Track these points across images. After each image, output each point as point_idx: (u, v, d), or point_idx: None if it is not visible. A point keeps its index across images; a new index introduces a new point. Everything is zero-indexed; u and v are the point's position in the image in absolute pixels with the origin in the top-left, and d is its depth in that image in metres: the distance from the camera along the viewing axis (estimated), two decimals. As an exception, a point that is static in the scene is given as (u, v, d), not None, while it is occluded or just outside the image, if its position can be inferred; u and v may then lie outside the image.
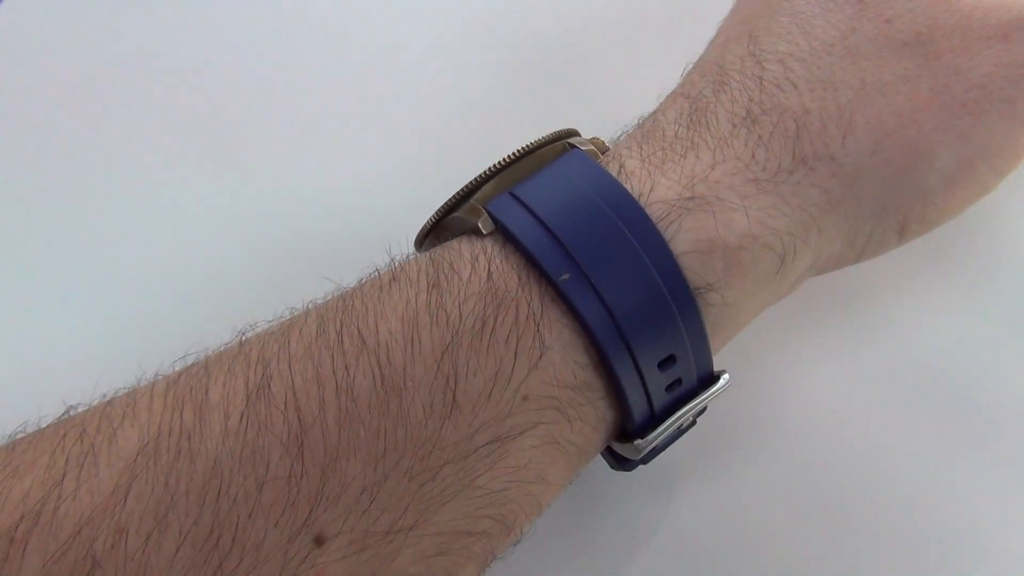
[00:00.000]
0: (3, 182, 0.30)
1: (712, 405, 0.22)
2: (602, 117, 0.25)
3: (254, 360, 0.19)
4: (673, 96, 0.23)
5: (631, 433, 0.21)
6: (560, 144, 0.21)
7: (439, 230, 0.22)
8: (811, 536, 0.25)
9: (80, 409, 0.19)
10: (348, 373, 0.18)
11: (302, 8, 0.34)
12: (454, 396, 0.18)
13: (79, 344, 0.28)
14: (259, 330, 0.20)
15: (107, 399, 0.19)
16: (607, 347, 0.19)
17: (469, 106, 0.31)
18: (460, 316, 0.19)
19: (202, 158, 0.31)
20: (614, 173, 0.21)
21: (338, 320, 0.19)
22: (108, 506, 0.17)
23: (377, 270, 0.21)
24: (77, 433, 0.18)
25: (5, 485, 0.17)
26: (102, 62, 0.33)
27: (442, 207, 0.21)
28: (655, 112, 0.23)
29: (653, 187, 0.20)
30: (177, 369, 0.20)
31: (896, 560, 0.24)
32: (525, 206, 0.20)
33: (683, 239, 0.20)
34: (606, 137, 0.23)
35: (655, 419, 0.21)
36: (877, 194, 0.22)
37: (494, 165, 0.21)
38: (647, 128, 0.22)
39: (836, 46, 0.22)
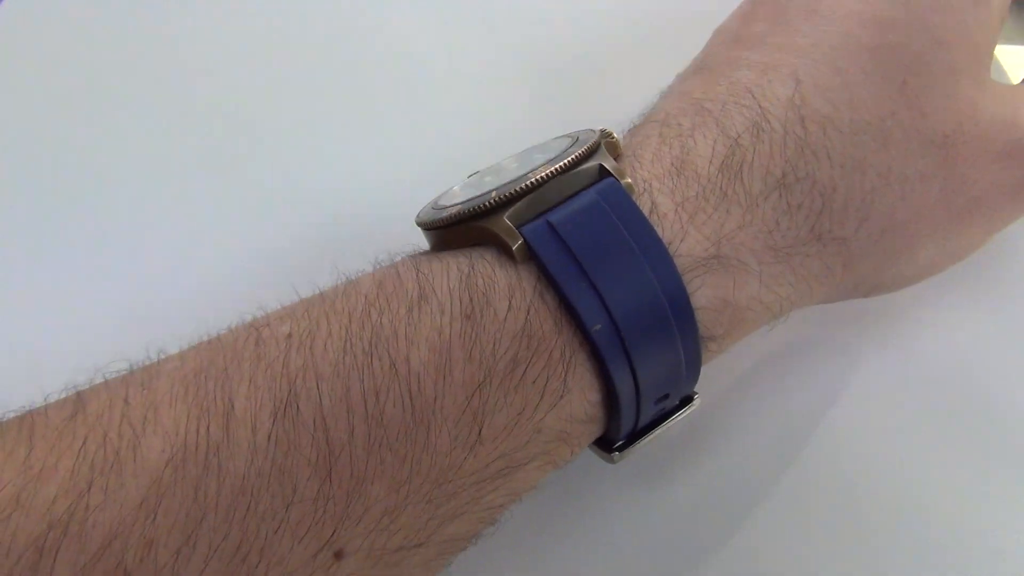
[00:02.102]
0: (3, 182, 0.30)
1: (711, 403, 0.24)
2: (614, 116, 0.26)
3: (278, 374, 0.19)
4: (700, 111, 0.23)
5: (610, 442, 0.22)
6: (594, 167, 0.21)
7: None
8: (800, 532, 0.25)
9: (85, 388, 0.19)
10: (378, 400, 0.19)
11: (307, 6, 0.34)
12: (480, 431, 0.19)
13: (81, 331, 0.28)
14: (272, 323, 0.20)
15: (123, 392, 0.19)
16: (622, 395, 0.20)
17: (479, 104, 0.32)
18: (494, 355, 0.19)
19: (204, 158, 0.31)
20: (646, 211, 0.21)
21: (365, 339, 0.19)
22: (137, 518, 0.17)
23: (398, 270, 0.21)
24: (99, 438, 0.18)
25: (29, 490, 0.17)
26: (102, 62, 0.33)
27: (466, 211, 0.21)
28: (684, 133, 0.22)
29: (684, 238, 0.21)
30: (187, 355, 0.20)
31: (896, 560, 0.25)
32: (563, 242, 0.20)
33: (702, 295, 0.21)
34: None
35: (636, 434, 0.22)
36: (866, 274, 0.23)
37: (529, 183, 0.20)
38: (677, 157, 0.22)
39: (874, 126, 0.22)
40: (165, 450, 0.18)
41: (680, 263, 0.21)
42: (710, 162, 0.22)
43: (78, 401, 0.19)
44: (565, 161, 0.21)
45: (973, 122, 0.23)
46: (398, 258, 0.22)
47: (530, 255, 0.20)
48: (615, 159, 0.22)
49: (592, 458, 0.23)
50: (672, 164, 0.22)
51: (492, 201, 0.20)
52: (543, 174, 0.20)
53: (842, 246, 0.22)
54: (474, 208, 0.20)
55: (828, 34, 0.23)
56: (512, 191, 0.20)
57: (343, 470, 0.18)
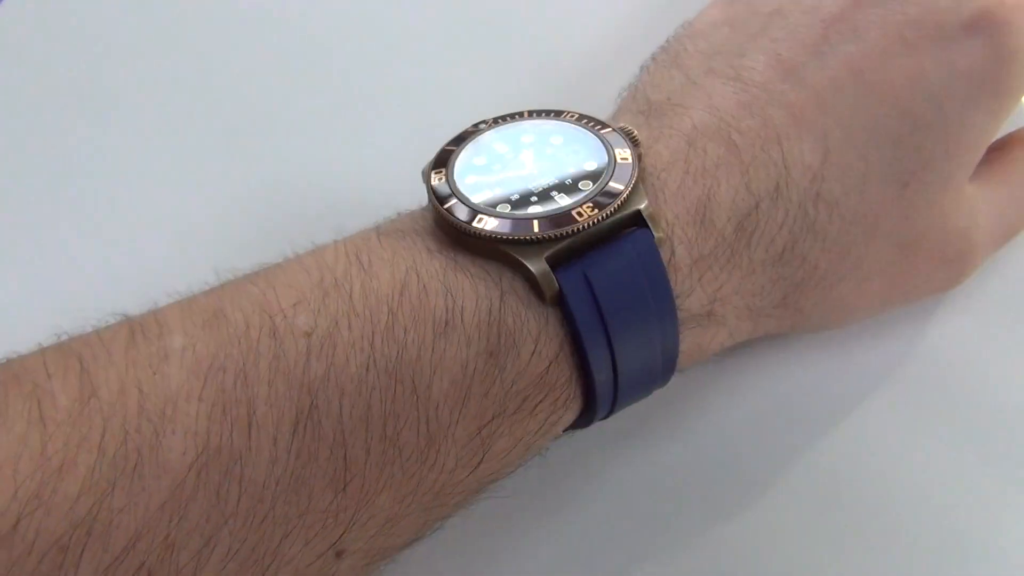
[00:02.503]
0: (3, 181, 0.31)
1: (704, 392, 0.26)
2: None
3: (298, 381, 0.19)
4: (728, 144, 0.23)
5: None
6: (633, 211, 0.21)
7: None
8: (783, 512, 0.25)
9: (87, 354, 0.19)
10: (396, 423, 0.19)
11: (306, 6, 0.35)
12: (484, 455, 0.21)
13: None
14: (285, 311, 0.20)
15: (134, 377, 0.18)
16: (601, 413, 0.23)
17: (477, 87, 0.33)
18: (509, 394, 0.20)
19: (206, 159, 0.31)
20: (665, 260, 0.22)
21: (390, 357, 0.20)
22: (160, 520, 0.17)
23: (420, 276, 0.20)
24: (118, 433, 0.18)
25: (50, 486, 0.17)
26: (102, 61, 0.33)
27: (504, 239, 0.21)
28: (708, 168, 0.22)
29: (690, 295, 0.22)
30: (194, 335, 0.19)
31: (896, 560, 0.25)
32: (595, 299, 0.20)
33: (684, 343, 0.23)
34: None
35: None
36: (803, 323, 0.26)
37: (575, 229, 0.21)
38: (700, 199, 0.22)
39: (868, 220, 0.24)
40: (187, 452, 0.18)
41: (680, 317, 0.22)
42: (728, 219, 0.23)
43: (84, 378, 0.18)
44: (613, 207, 0.21)
45: (941, 230, 0.25)
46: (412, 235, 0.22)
47: (560, 301, 0.21)
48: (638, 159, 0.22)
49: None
50: (696, 208, 0.22)
51: (534, 238, 0.20)
52: (590, 220, 0.21)
53: (797, 313, 0.25)
54: (514, 239, 0.21)
55: (866, 111, 0.23)
56: (556, 234, 0.20)
57: (356, 484, 0.19)
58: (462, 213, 0.21)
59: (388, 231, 0.22)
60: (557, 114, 0.24)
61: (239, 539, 0.18)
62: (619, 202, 0.21)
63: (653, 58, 0.27)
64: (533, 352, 0.21)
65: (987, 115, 0.24)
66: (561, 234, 0.20)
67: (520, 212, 0.21)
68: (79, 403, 0.18)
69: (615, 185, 0.21)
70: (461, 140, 0.23)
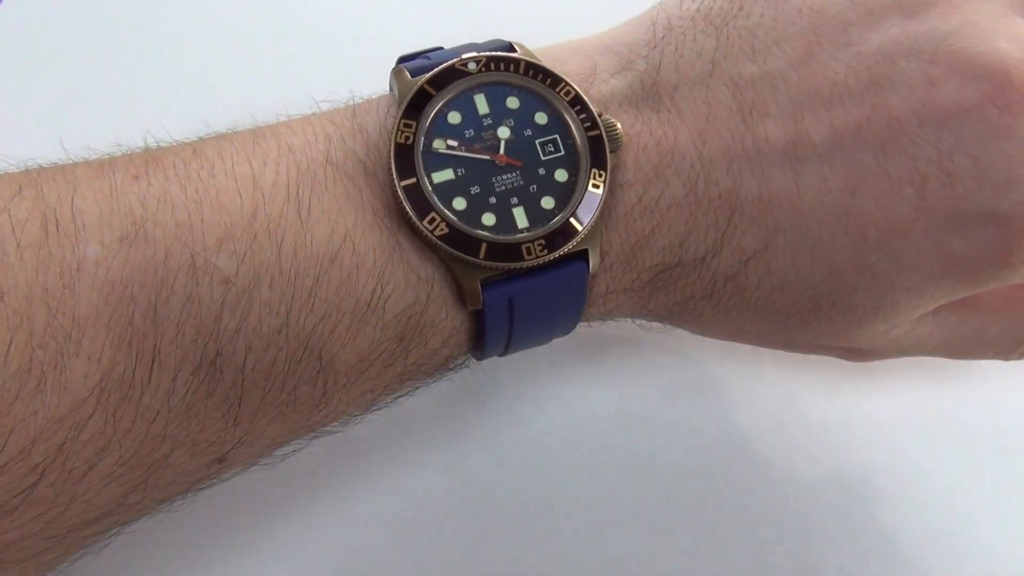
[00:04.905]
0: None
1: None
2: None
3: (208, 330, 0.19)
4: (688, 186, 0.22)
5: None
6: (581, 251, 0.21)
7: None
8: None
9: None
10: (297, 382, 0.20)
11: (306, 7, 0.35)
12: (374, 401, 0.22)
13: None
14: (208, 246, 0.19)
15: (41, 282, 0.18)
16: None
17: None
18: (408, 368, 0.22)
19: None
20: (589, 291, 0.22)
21: (304, 326, 0.20)
22: (56, 431, 0.19)
23: (356, 247, 0.20)
24: (23, 347, 0.18)
25: None
26: (102, 61, 0.33)
27: (450, 254, 0.20)
28: (661, 209, 0.22)
29: (591, 306, 0.23)
30: (111, 247, 0.19)
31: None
32: (511, 317, 0.21)
33: None
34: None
35: None
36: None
37: (520, 267, 0.20)
38: (640, 239, 0.22)
39: (765, 308, 0.23)
40: (89, 377, 0.19)
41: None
42: (650, 267, 0.22)
43: None
44: (564, 250, 0.21)
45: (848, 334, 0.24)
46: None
47: (479, 315, 0.21)
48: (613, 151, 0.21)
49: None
50: (631, 245, 0.22)
51: (477, 264, 0.20)
52: (537, 261, 0.20)
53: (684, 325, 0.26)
54: (457, 257, 0.20)
55: (829, 236, 0.22)
56: (499, 267, 0.20)
57: (247, 420, 0.21)
58: (417, 202, 0.20)
59: (338, 157, 0.21)
60: (555, 81, 0.22)
61: (129, 451, 0.20)
62: (572, 245, 0.21)
63: None
64: (440, 345, 0.22)
65: (946, 294, 0.23)
66: (504, 268, 0.20)
67: (470, 228, 0.20)
68: None
69: (575, 223, 0.21)
70: (444, 81, 0.21)
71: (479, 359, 0.23)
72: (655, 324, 0.26)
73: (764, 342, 0.26)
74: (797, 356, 0.27)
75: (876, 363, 0.27)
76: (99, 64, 0.33)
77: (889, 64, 0.22)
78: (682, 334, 0.26)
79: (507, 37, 0.23)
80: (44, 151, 0.25)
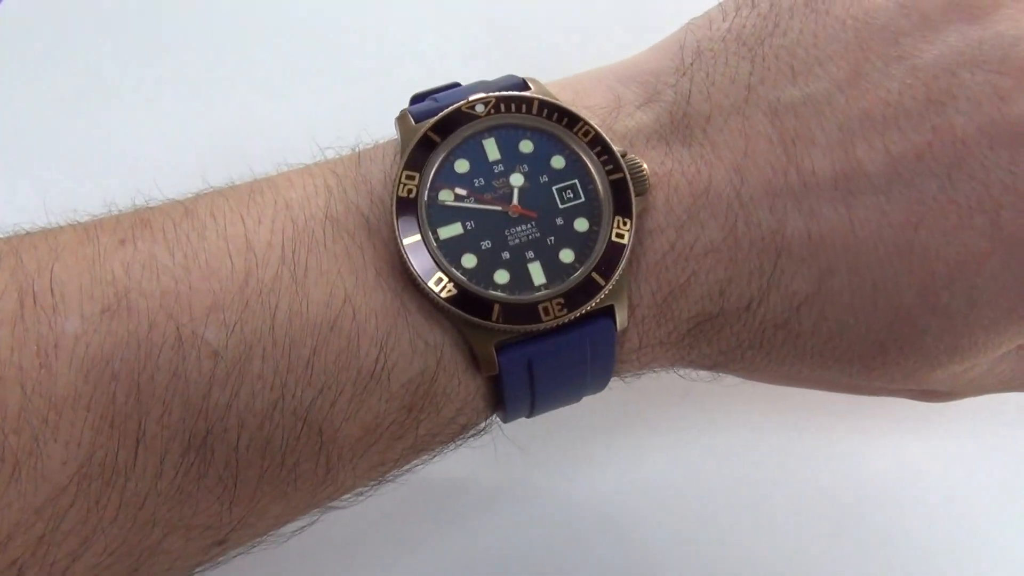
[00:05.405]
0: (2, 181, 0.31)
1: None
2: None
3: (196, 409, 0.18)
4: (728, 233, 0.20)
5: None
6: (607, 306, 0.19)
7: None
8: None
9: None
10: (297, 457, 0.19)
11: (307, 8, 0.34)
12: (384, 475, 0.21)
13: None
14: (195, 317, 0.18)
15: (17, 363, 0.17)
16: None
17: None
18: (421, 440, 0.20)
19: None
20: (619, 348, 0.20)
21: (301, 401, 0.18)
22: (35, 523, 0.17)
23: (355, 315, 0.18)
24: None
25: None
26: (102, 60, 0.33)
27: (461, 318, 0.18)
28: (697, 255, 0.20)
29: (625, 362, 0.21)
30: (92, 319, 0.17)
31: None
32: (531, 380, 0.19)
33: None
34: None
35: None
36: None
37: (536, 329, 0.19)
38: (676, 288, 0.20)
39: (819, 353, 0.21)
40: (68, 463, 0.17)
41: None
42: (689, 317, 0.20)
43: None
44: (586, 308, 0.19)
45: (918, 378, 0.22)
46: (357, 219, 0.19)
47: (496, 381, 0.19)
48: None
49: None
50: (664, 296, 0.20)
51: (491, 328, 0.18)
52: (555, 321, 0.18)
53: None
54: (469, 322, 0.18)
55: (891, 274, 0.19)
56: (514, 330, 0.18)
57: (246, 501, 0.19)
58: (422, 261, 0.18)
59: (338, 212, 0.19)
60: (572, 120, 0.19)
61: (116, 539, 0.18)
62: (595, 303, 0.18)
63: (737, 8, 0.21)
64: (455, 413, 0.20)
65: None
66: (519, 331, 0.18)
67: (481, 288, 0.19)
68: None
69: (597, 278, 0.18)
70: (450, 126, 0.19)
71: (504, 422, 0.21)
72: (702, 372, 0.24)
73: (828, 387, 0.24)
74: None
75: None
76: (99, 64, 0.32)
77: (950, 78, 0.19)
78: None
79: (531, 64, 0.21)
80: (44, 151, 0.27)
